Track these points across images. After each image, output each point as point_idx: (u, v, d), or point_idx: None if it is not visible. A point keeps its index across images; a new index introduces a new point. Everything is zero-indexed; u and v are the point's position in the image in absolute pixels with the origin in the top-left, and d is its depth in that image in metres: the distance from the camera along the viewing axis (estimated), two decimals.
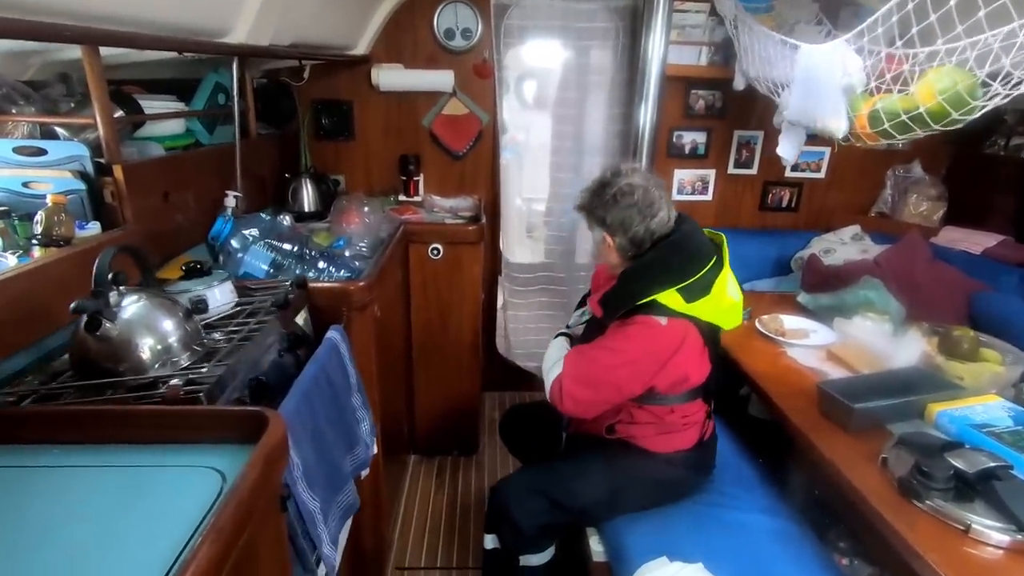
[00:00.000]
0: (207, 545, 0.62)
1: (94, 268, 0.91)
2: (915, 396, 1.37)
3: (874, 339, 1.65)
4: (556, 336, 1.61)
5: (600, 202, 1.37)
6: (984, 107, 1.28)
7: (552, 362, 1.45)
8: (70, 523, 0.71)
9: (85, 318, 0.89)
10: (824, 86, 1.61)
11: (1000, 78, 1.22)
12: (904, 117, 1.40)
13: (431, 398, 2.43)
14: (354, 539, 1.60)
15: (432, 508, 2.25)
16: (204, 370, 0.96)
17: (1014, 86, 1.21)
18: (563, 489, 1.45)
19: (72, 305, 0.89)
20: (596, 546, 1.48)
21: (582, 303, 1.72)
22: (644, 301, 1.30)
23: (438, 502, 2.28)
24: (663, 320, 1.30)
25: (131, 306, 0.95)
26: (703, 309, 1.33)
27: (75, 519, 0.71)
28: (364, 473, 1.39)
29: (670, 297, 1.30)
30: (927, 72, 1.34)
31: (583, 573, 1.55)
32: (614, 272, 1.43)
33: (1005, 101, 1.25)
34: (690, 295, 1.31)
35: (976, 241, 2.28)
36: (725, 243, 1.42)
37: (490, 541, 1.58)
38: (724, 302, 1.37)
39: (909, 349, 1.56)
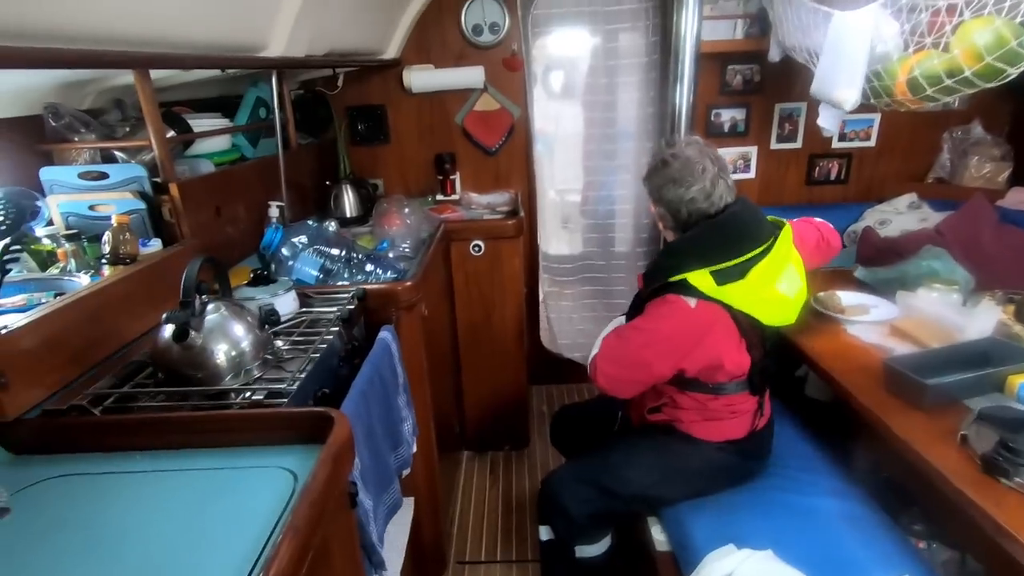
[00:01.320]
0: (286, 543, 0.65)
1: (183, 280, 0.95)
2: (993, 368, 1.29)
3: (942, 311, 1.56)
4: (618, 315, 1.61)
5: (649, 170, 1.40)
6: None
7: (598, 342, 1.47)
8: (153, 525, 0.75)
9: (173, 328, 0.93)
10: (849, 55, 1.53)
11: None
12: (949, 82, 1.32)
13: (479, 394, 2.45)
14: (415, 534, 1.64)
15: (488, 503, 2.27)
16: (282, 386, 0.98)
17: None
18: (611, 476, 1.44)
19: (164, 315, 0.94)
20: (658, 535, 1.46)
21: None
22: (676, 279, 1.28)
23: (493, 497, 2.30)
24: (692, 302, 1.27)
25: (212, 315, 0.99)
26: (734, 295, 1.27)
27: (158, 521, 0.75)
28: (406, 472, 1.40)
29: (701, 278, 1.26)
30: (964, 26, 1.26)
31: (646, 563, 1.53)
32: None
33: None
34: (722, 278, 1.26)
35: None
36: (788, 232, 1.37)
37: (544, 532, 1.58)
38: (765, 292, 1.29)
39: (983, 319, 1.47)
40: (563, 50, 2.51)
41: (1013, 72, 1.25)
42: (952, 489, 1.05)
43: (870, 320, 1.69)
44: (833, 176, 2.66)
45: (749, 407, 1.44)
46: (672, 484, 1.44)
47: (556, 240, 2.84)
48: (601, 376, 1.39)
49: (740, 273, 1.27)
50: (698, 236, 1.32)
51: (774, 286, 1.31)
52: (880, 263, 1.96)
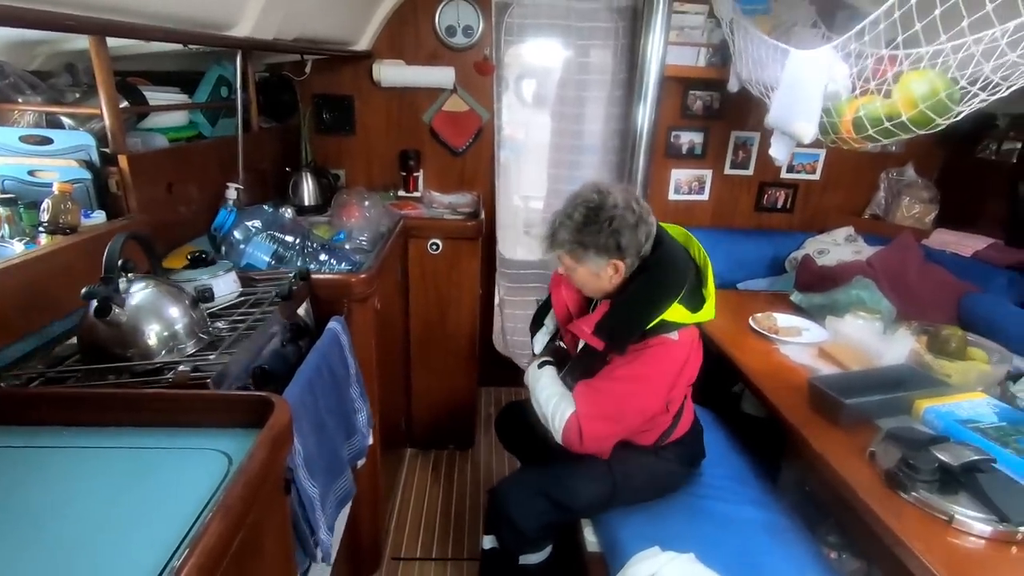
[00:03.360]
0: (216, 522, 0.65)
1: (104, 255, 0.93)
2: (904, 392, 1.41)
3: (865, 337, 1.69)
4: (536, 367, 1.50)
5: (606, 230, 1.27)
6: (962, 112, 1.32)
7: (553, 402, 1.37)
8: (78, 502, 0.72)
9: (95, 303, 0.90)
10: (806, 91, 1.64)
11: (980, 83, 1.25)
12: (887, 124, 1.44)
13: (428, 392, 2.45)
14: (351, 528, 1.63)
15: (428, 501, 2.27)
16: (211, 358, 0.98)
17: (992, 90, 1.24)
18: (563, 489, 1.45)
19: (83, 291, 0.91)
20: (590, 537, 1.51)
21: (537, 323, 1.65)
22: (654, 323, 1.27)
23: (434, 495, 2.30)
24: (674, 335, 1.29)
25: (139, 293, 0.97)
26: (704, 316, 1.33)
27: (84, 498, 0.73)
28: (361, 463, 1.41)
29: (676, 312, 1.27)
30: (905, 76, 1.38)
31: (578, 564, 1.57)
32: (596, 296, 1.39)
33: (986, 104, 1.28)
34: (692, 304, 1.30)
35: (967, 244, 2.32)
36: (693, 238, 1.42)
37: (488, 542, 1.58)
38: (712, 301, 1.37)
39: (899, 347, 1.60)
40: (535, 59, 2.56)
41: (942, 122, 1.37)
42: (858, 501, 1.14)
43: (801, 342, 1.80)
44: (780, 204, 2.81)
45: (687, 404, 1.50)
46: (619, 495, 1.47)
47: (517, 245, 2.88)
48: (589, 441, 1.29)
49: (697, 291, 1.33)
50: (656, 279, 1.29)
51: (713, 295, 1.37)
52: (816, 289, 2.09)
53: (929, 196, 2.62)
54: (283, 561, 0.94)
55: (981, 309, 1.98)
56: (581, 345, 1.42)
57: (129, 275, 0.98)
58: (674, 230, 1.43)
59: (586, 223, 1.28)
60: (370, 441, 1.45)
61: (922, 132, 1.42)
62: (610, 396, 1.31)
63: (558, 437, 1.34)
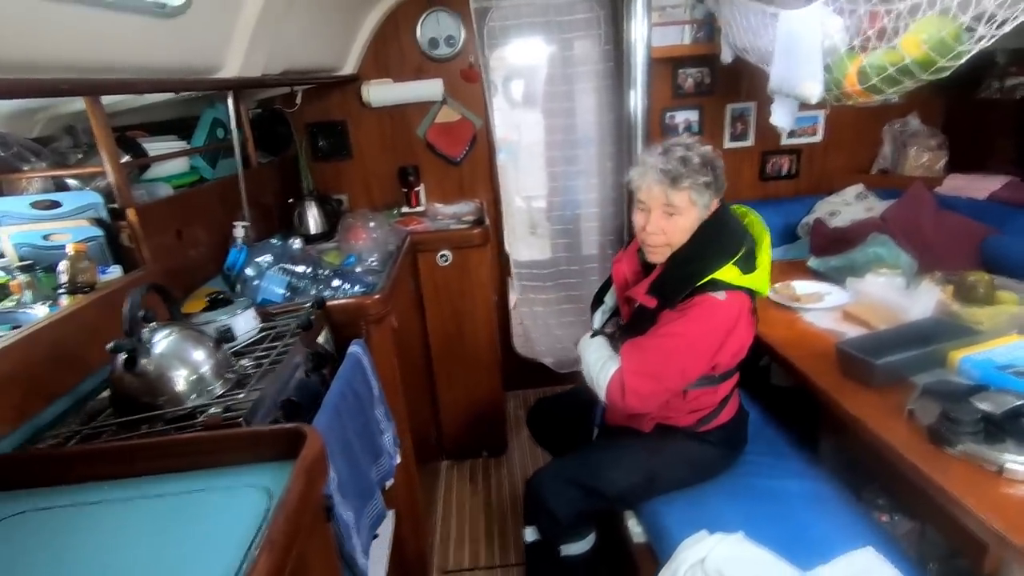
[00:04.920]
0: (263, 558, 0.65)
1: (125, 309, 0.95)
2: (935, 345, 1.38)
3: (888, 294, 1.66)
4: (590, 336, 1.54)
5: (719, 168, 1.34)
6: (971, 51, 1.28)
7: (600, 362, 1.40)
8: (128, 553, 0.74)
9: (122, 357, 0.92)
10: (803, 51, 1.61)
11: (984, 20, 1.22)
12: (891, 70, 1.40)
13: (455, 403, 2.46)
14: (397, 547, 1.63)
15: (470, 510, 2.27)
16: (240, 396, 0.99)
17: (999, 26, 1.21)
18: (598, 477, 1.46)
19: (108, 345, 0.93)
20: (635, 527, 1.50)
21: (597, 302, 1.66)
22: (704, 281, 1.29)
23: (475, 504, 2.30)
24: (721, 295, 1.29)
25: (163, 341, 0.98)
26: (755, 281, 1.34)
27: (133, 548, 0.74)
28: (389, 483, 1.40)
29: (728, 272, 1.30)
30: (911, 25, 1.35)
31: (625, 556, 1.57)
32: (663, 258, 1.39)
33: (991, 42, 1.25)
34: (745, 266, 1.32)
35: (981, 186, 2.26)
36: (751, 213, 1.44)
37: (530, 533, 1.60)
38: (767, 272, 1.38)
39: (924, 300, 1.57)
40: (521, 60, 2.56)
41: (947, 64, 1.33)
42: (902, 461, 1.12)
43: (824, 307, 1.78)
44: (785, 171, 2.77)
45: (730, 388, 1.49)
46: (657, 483, 1.47)
47: (525, 246, 2.89)
48: (631, 396, 1.32)
49: (751, 257, 1.34)
50: (712, 234, 1.34)
51: (768, 267, 1.38)
52: (831, 252, 2.06)
53: (936, 143, 2.56)
54: None
55: (1004, 250, 1.93)
56: (635, 309, 1.43)
57: (151, 324, 1.00)
58: (738, 208, 1.47)
59: (704, 162, 1.33)
60: (397, 460, 1.45)
61: (926, 77, 1.38)
62: (654, 353, 1.33)
63: (602, 394, 1.37)
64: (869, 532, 1.29)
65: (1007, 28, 1.20)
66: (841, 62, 1.56)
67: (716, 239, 1.34)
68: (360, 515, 1.19)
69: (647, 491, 1.48)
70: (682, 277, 1.32)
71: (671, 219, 1.35)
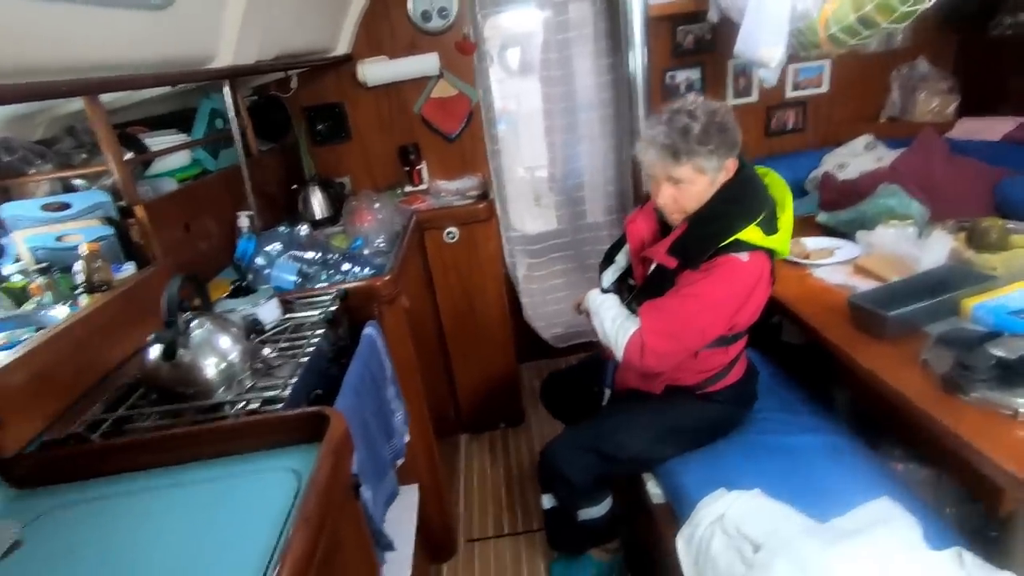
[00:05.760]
0: (299, 534, 0.68)
1: (164, 300, 0.97)
2: (949, 294, 1.37)
3: (900, 245, 1.64)
4: (600, 293, 1.53)
5: (730, 128, 1.30)
6: None
7: (617, 321, 1.40)
8: (167, 538, 0.78)
9: (161, 348, 0.95)
10: (772, 14, 1.58)
11: None
12: (862, 30, 1.37)
13: (471, 377, 2.50)
14: (423, 520, 1.68)
15: (491, 481, 2.33)
16: (273, 391, 1.01)
17: None
18: (609, 441, 1.49)
19: (151, 336, 0.96)
20: (654, 489, 1.53)
21: (608, 261, 1.66)
22: (727, 241, 1.29)
23: (495, 474, 2.36)
24: (744, 256, 1.29)
25: (197, 331, 1.01)
26: (777, 242, 1.34)
27: (171, 534, 0.78)
28: (400, 462, 1.43)
29: (752, 232, 1.29)
30: None
31: (644, 517, 1.60)
32: (681, 219, 1.38)
33: None
34: (768, 228, 1.31)
35: (995, 128, 2.21)
36: (772, 173, 1.43)
37: (547, 500, 1.64)
38: (788, 234, 1.38)
39: (936, 249, 1.55)
40: (515, 28, 2.51)
41: (908, 9, 1.30)
42: (916, 410, 1.13)
43: (834, 262, 1.77)
44: (791, 125, 2.71)
45: (740, 348, 1.50)
46: (668, 443, 1.49)
47: (530, 218, 2.88)
48: (650, 355, 1.32)
49: (773, 218, 1.34)
50: (737, 194, 1.33)
51: (790, 229, 1.37)
52: (841, 206, 2.03)
53: (947, 87, 2.49)
54: (364, 560, 0.99)
55: (1018, 192, 1.90)
56: (652, 270, 1.43)
57: (186, 315, 1.02)
58: (759, 170, 1.44)
59: (707, 129, 1.28)
60: (407, 439, 1.47)
61: (894, 24, 1.36)
62: (676, 313, 1.32)
63: (619, 354, 1.37)
64: (885, 482, 1.30)
65: None
66: (812, 25, 1.53)
67: (739, 200, 1.32)
68: (377, 492, 1.22)
69: (659, 452, 1.51)
70: (705, 236, 1.31)
71: (680, 188, 1.34)
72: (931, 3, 1.31)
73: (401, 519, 1.54)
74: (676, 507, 1.43)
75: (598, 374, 1.67)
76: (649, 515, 1.54)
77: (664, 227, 1.46)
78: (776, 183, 1.42)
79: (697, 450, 1.50)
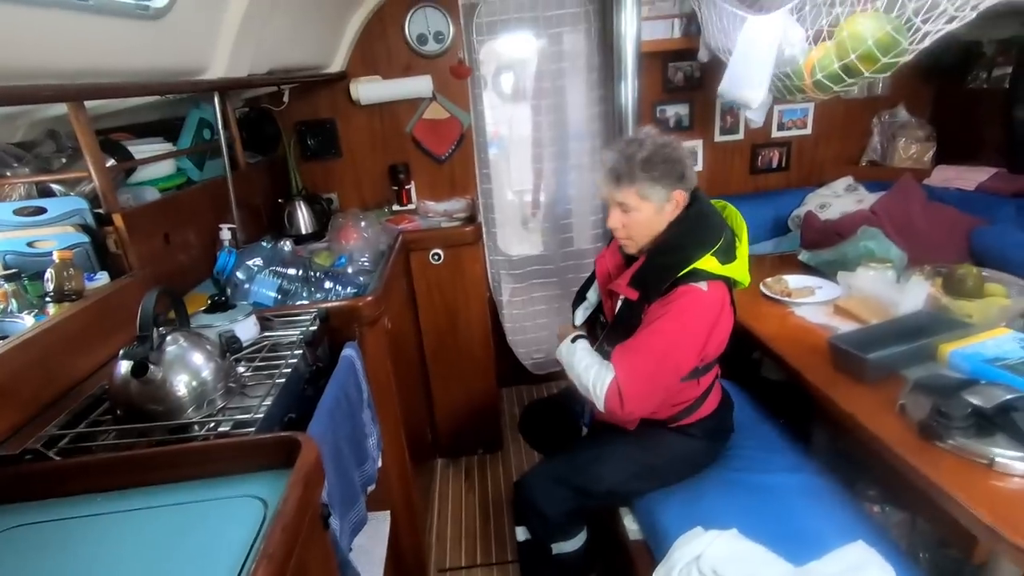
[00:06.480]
0: (261, 571, 0.65)
1: (139, 314, 0.93)
2: (926, 339, 1.39)
3: (879, 288, 1.67)
4: (571, 341, 1.49)
5: (673, 158, 1.33)
6: (913, 50, 1.31)
7: (592, 371, 1.37)
8: (122, 568, 0.73)
9: (131, 364, 0.91)
10: (757, 57, 1.63)
11: (937, 12, 1.24)
12: (845, 78, 1.43)
13: (450, 401, 2.46)
14: (393, 547, 1.63)
15: (465, 508, 2.28)
16: (246, 414, 0.97)
17: (947, 22, 1.23)
18: (586, 475, 1.47)
19: (121, 352, 0.92)
20: (631, 524, 1.51)
21: (580, 299, 1.66)
22: (685, 271, 1.30)
23: (470, 502, 2.31)
24: (703, 285, 1.30)
25: (171, 347, 0.97)
26: (735, 271, 1.36)
27: (129, 562, 0.74)
28: (371, 488, 1.39)
29: (708, 262, 1.31)
30: (849, 17, 1.38)
31: (620, 553, 1.58)
32: (635, 250, 1.41)
33: (941, 34, 1.28)
34: (724, 257, 1.33)
35: (969, 177, 2.28)
36: (729, 206, 1.46)
37: (521, 533, 1.60)
38: (745, 263, 1.41)
39: (914, 294, 1.58)
40: (510, 55, 2.55)
41: (891, 61, 1.36)
42: (894, 456, 1.13)
43: (815, 301, 1.79)
44: (775, 164, 2.78)
45: (711, 379, 1.51)
46: (645, 477, 1.48)
47: (517, 241, 2.88)
48: (631, 402, 1.30)
49: (730, 247, 1.36)
50: (690, 228, 1.36)
51: (746, 259, 1.41)
52: (823, 245, 2.07)
53: (925, 134, 2.58)
54: None
55: (992, 241, 1.95)
56: (619, 305, 1.44)
57: (161, 330, 0.99)
58: (716, 203, 1.48)
59: (651, 158, 1.33)
60: (379, 465, 1.43)
61: (876, 74, 1.42)
62: (647, 354, 1.32)
63: (600, 405, 1.34)
64: (861, 525, 1.30)
65: (959, 24, 1.22)
66: (799, 71, 1.58)
67: (695, 231, 1.35)
68: (343, 522, 1.18)
69: (636, 486, 1.49)
70: (663, 267, 1.33)
71: (628, 215, 1.38)
72: (911, 56, 1.36)
73: (371, 548, 1.49)
74: (652, 544, 1.41)
75: (577, 406, 1.65)
76: (625, 551, 1.51)
77: (629, 261, 1.49)
78: (733, 215, 1.46)
79: (674, 485, 1.48)
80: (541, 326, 2.83)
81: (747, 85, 1.67)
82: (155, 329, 0.96)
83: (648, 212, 1.36)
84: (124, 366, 0.93)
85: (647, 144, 1.34)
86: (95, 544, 0.78)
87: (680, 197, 1.36)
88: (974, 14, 1.21)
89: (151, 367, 0.92)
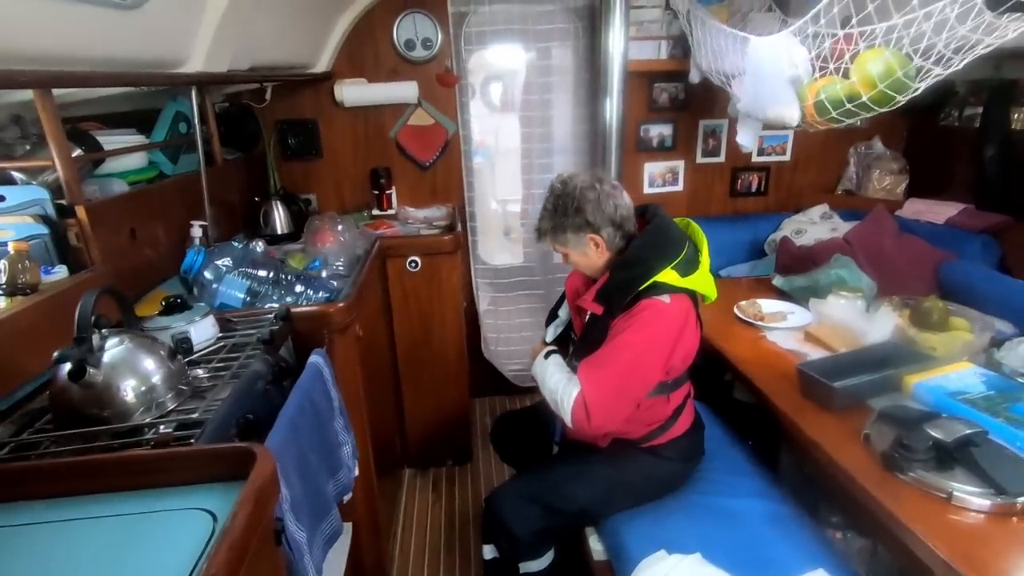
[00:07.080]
0: None
1: (76, 314, 0.89)
2: (892, 370, 1.41)
3: (849, 316, 1.69)
4: (543, 357, 1.50)
5: (572, 210, 1.37)
6: (919, 87, 1.34)
7: (561, 385, 1.38)
8: None
9: (67, 366, 0.87)
10: (774, 77, 1.65)
11: (933, 56, 1.27)
12: (849, 105, 1.45)
13: (421, 410, 2.43)
14: (354, 559, 1.60)
15: (431, 521, 2.24)
16: (195, 414, 0.94)
17: (945, 63, 1.26)
18: (557, 494, 1.45)
19: (55, 354, 0.87)
20: (596, 545, 1.49)
21: (552, 317, 1.67)
22: (646, 285, 1.32)
23: (436, 514, 2.27)
24: (666, 298, 1.32)
25: (114, 350, 0.93)
26: (697, 283, 1.37)
27: None
28: (347, 497, 1.36)
29: (668, 275, 1.32)
30: (861, 56, 1.40)
31: (584, 574, 1.56)
32: (596, 274, 1.44)
33: (939, 78, 1.30)
34: (685, 270, 1.34)
35: (939, 211, 2.35)
36: (693, 224, 1.48)
37: (488, 551, 1.57)
38: (708, 276, 1.42)
39: (882, 324, 1.61)
40: (498, 66, 2.55)
41: (902, 99, 1.39)
42: (857, 486, 1.14)
43: (787, 327, 1.81)
44: (754, 188, 2.82)
45: (688, 398, 1.51)
46: (616, 498, 1.47)
47: (499, 251, 2.87)
48: (596, 417, 1.30)
49: (691, 262, 1.37)
50: (649, 243, 1.38)
51: (709, 269, 1.43)
52: (796, 271, 2.10)
53: (898, 167, 2.65)
54: None
55: (958, 276, 2.00)
56: (587, 320, 1.45)
57: (103, 331, 0.95)
58: (679, 220, 1.50)
59: (555, 209, 1.40)
60: (355, 474, 1.41)
61: (883, 110, 1.44)
62: (610, 368, 1.33)
63: (568, 420, 1.35)
64: (823, 553, 1.30)
65: (957, 67, 1.25)
66: (802, 91, 1.60)
67: (655, 245, 1.37)
68: (314, 533, 1.15)
69: (606, 507, 1.48)
70: (625, 281, 1.35)
71: (567, 257, 1.47)
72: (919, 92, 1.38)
73: (330, 562, 1.45)
74: (616, 565, 1.39)
75: (549, 420, 1.64)
76: (589, 572, 1.49)
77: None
78: (696, 231, 1.48)
79: (641, 507, 1.48)
80: (525, 338, 2.81)
81: (780, 103, 1.67)
82: (97, 331, 0.93)
83: (576, 256, 1.44)
84: (63, 369, 0.89)
85: (550, 198, 1.42)
86: (30, 555, 0.74)
87: (597, 240, 1.39)
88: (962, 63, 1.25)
89: (90, 370, 0.88)
